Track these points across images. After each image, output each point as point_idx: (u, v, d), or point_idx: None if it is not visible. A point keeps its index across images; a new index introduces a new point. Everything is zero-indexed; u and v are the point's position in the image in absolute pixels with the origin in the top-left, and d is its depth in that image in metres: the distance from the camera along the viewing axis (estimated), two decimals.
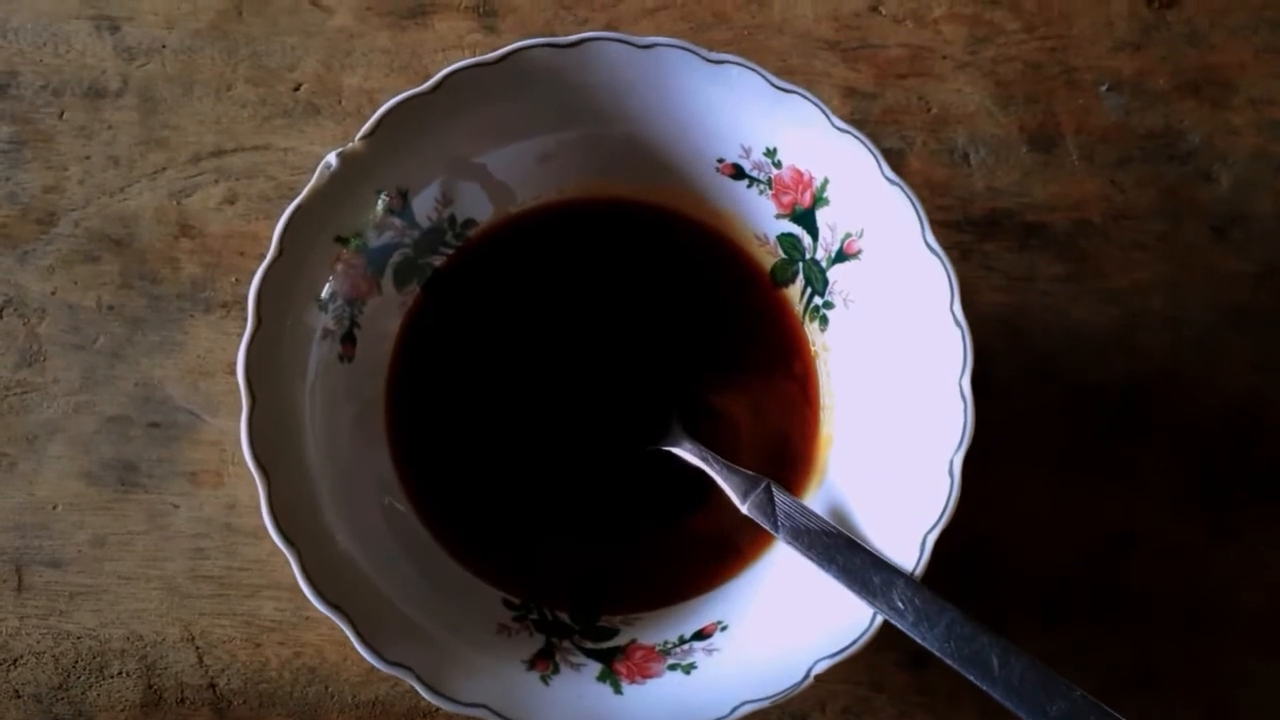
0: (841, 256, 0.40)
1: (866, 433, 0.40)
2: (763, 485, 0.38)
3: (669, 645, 0.39)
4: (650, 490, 0.42)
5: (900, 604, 0.34)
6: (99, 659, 0.44)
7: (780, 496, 0.37)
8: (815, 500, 0.41)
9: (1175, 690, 0.44)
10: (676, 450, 0.40)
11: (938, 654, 0.33)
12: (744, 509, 0.38)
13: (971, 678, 0.32)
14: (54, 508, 0.45)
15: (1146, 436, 0.46)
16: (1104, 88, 0.49)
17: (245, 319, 0.36)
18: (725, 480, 0.39)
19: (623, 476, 0.42)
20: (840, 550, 0.36)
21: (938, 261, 0.37)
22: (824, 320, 0.42)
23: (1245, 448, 0.46)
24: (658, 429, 0.41)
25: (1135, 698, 0.44)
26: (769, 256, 0.43)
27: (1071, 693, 0.32)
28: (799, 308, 0.43)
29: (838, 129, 0.37)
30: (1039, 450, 0.46)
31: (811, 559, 0.36)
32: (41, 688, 0.44)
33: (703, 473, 0.39)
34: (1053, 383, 0.46)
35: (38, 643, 0.44)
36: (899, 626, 0.34)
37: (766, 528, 0.37)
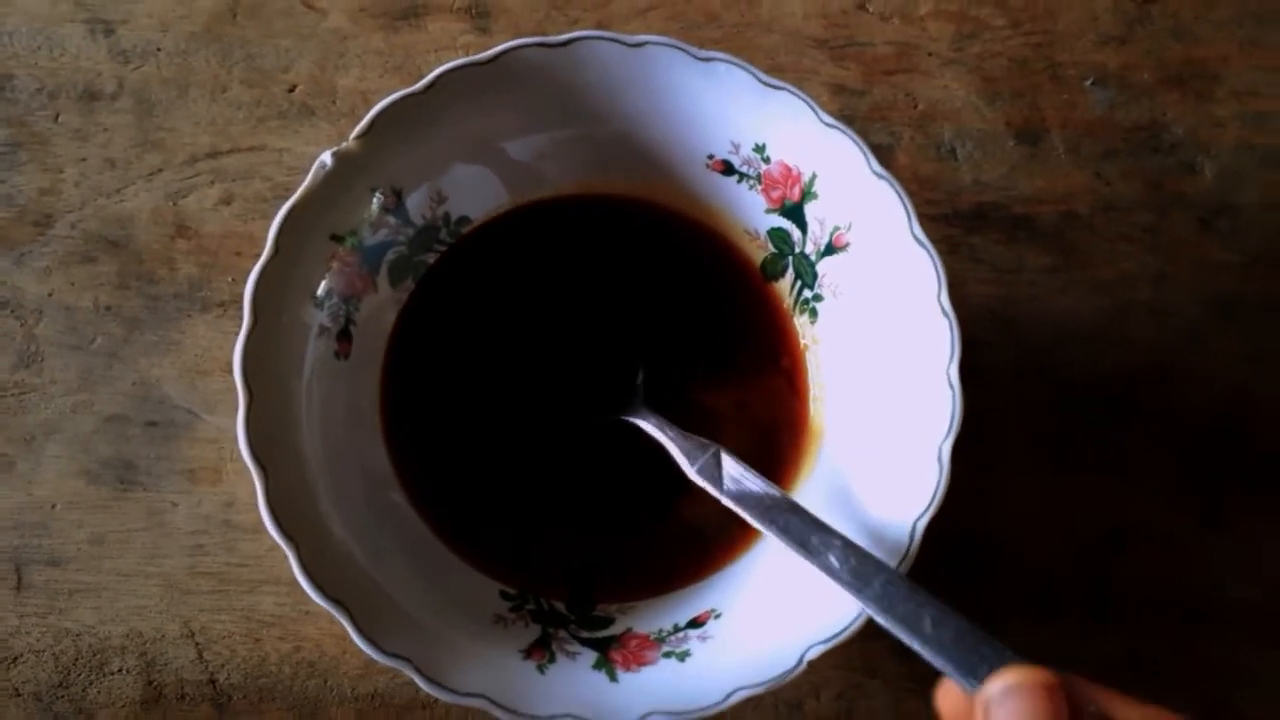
0: (830, 250, 0.41)
1: (857, 423, 0.41)
2: (711, 451, 0.39)
3: (664, 633, 0.39)
4: (645, 480, 0.43)
5: (836, 564, 0.34)
6: (99, 656, 0.44)
7: (728, 462, 0.38)
8: (807, 489, 0.41)
9: (1169, 683, 0.45)
10: (636, 420, 0.41)
11: (871, 613, 0.33)
12: (691, 474, 0.38)
13: (903, 637, 0.32)
14: (53, 507, 0.45)
15: (1136, 428, 0.46)
16: (1089, 82, 0.49)
17: (242, 318, 0.36)
18: (676, 446, 0.39)
19: (618, 467, 0.43)
20: (780, 512, 0.36)
21: (925, 253, 0.37)
22: (814, 313, 0.42)
23: (1236, 438, 0.46)
24: (622, 401, 0.42)
25: (1129, 690, 0.44)
26: (759, 251, 0.43)
27: (1003, 655, 0.31)
28: (789, 301, 0.43)
29: (826, 124, 0.38)
30: (1029, 442, 0.46)
31: (753, 519, 0.37)
32: (42, 686, 0.44)
33: None
34: (1041, 374, 0.46)
35: (38, 641, 0.44)
36: (836, 584, 0.34)
37: (712, 491, 0.38)
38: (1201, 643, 0.45)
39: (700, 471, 0.38)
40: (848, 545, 0.35)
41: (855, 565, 0.34)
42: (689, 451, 0.39)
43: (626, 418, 0.41)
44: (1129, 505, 0.46)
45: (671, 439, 0.40)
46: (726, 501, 0.38)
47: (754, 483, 0.37)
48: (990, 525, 0.45)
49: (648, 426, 0.41)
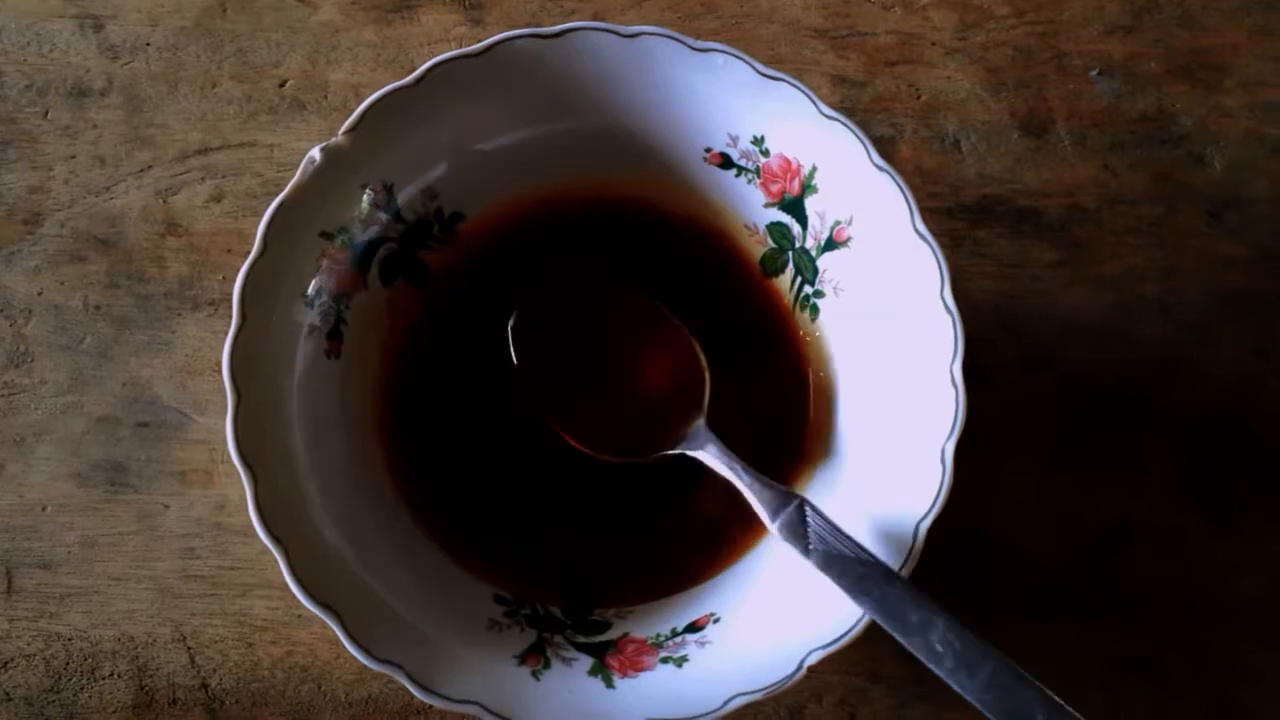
0: (831, 245, 0.40)
1: (858, 422, 0.40)
2: (795, 504, 0.35)
3: (661, 638, 0.39)
4: (645, 482, 0.42)
5: (939, 647, 0.32)
6: (90, 661, 0.44)
7: (814, 517, 0.35)
8: (808, 490, 0.41)
9: (1174, 681, 0.44)
10: (700, 455, 0.38)
11: (975, 704, 0.31)
12: (773, 529, 0.35)
13: None
14: (43, 509, 0.45)
15: (1142, 424, 0.46)
16: (1095, 72, 0.48)
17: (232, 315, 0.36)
18: (755, 495, 0.36)
19: (618, 469, 0.42)
20: (875, 582, 0.33)
21: (927, 248, 0.36)
22: (814, 309, 0.42)
23: (1243, 434, 0.46)
24: (672, 431, 0.39)
25: (1133, 689, 0.44)
26: (758, 246, 0.42)
27: None
28: (789, 297, 0.42)
29: (825, 116, 0.37)
30: (1033, 439, 0.45)
31: (843, 589, 0.34)
32: (33, 690, 0.44)
33: (693, 464, 0.39)
34: (1046, 371, 0.46)
35: (28, 645, 0.44)
36: (935, 671, 0.32)
37: (796, 550, 0.35)
38: (1206, 641, 0.44)
39: (783, 527, 0.35)
40: (951, 624, 0.32)
41: (960, 650, 0.31)
42: (769, 501, 0.35)
43: (689, 452, 0.38)
44: (1134, 503, 0.45)
45: (748, 485, 0.36)
46: (810, 564, 0.34)
47: (844, 543, 0.34)
48: (993, 522, 0.45)
49: (718, 465, 0.37)
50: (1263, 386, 0.46)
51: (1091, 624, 0.44)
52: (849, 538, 0.34)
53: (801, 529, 0.35)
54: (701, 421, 0.39)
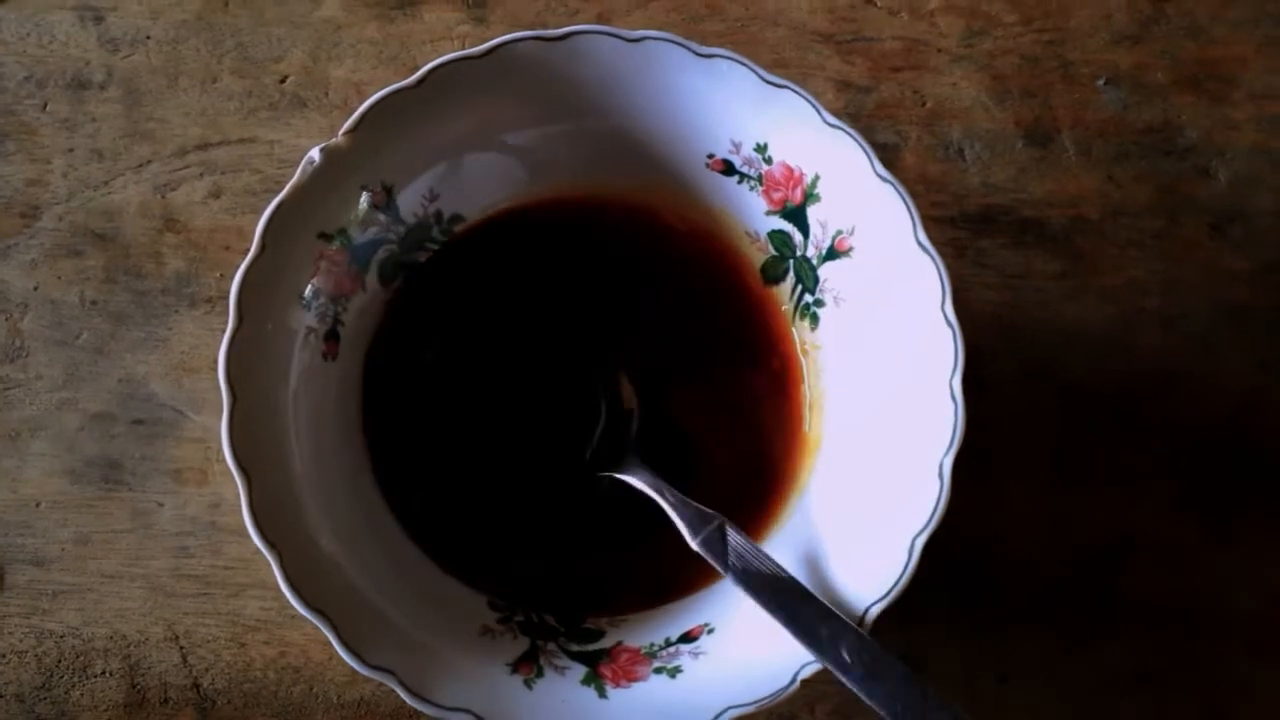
0: (833, 254, 0.40)
1: (856, 433, 0.40)
2: (715, 524, 0.37)
3: (655, 648, 0.39)
4: (638, 491, 0.42)
5: (849, 658, 0.34)
6: (82, 658, 0.44)
7: (734, 536, 0.37)
8: (803, 500, 0.41)
9: (1171, 694, 0.44)
10: (630, 479, 0.39)
11: (882, 713, 0.33)
12: (694, 545, 0.37)
13: None
14: (37, 505, 0.45)
15: (1143, 437, 0.46)
16: (1101, 82, 0.48)
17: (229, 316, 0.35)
18: (677, 514, 0.37)
19: (611, 477, 0.42)
20: (789, 597, 0.35)
21: (929, 260, 0.36)
22: (814, 319, 0.41)
23: (1244, 449, 0.46)
24: (615, 455, 0.41)
25: (1131, 701, 0.44)
26: (759, 254, 0.42)
27: None
28: (789, 306, 0.42)
29: (829, 125, 0.37)
30: (1034, 451, 0.45)
31: (760, 603, 0.35)
32: (24, 687, 0.43)
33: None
34: (1047, 382, 0.46)
35: (20, 641, 0.44)
36: (844, 681, 0.34)
37: (716, 566, 0.36)
38: (1205, 653, 0.44)
39: (703, 544, 0.37)
40: (861, 639, 0.34)
41: (869, 661, 0.33)
42: (690, 520, 0.37)
43: (620, 475, 0.40)
44: (1134, 516, 0.45)
45: (671, 505, 0.38)
46: (730, 578, 0.36)
47: (762, 562, 0.36)
48: (992, 533, 0.45)
49: (644, 488, 0.39)
50: (1264, 401, 0.46)
51: (1090, 636, 0.44)
52: (768, 557, 0.36)
53: (721, 546, 0.36)
54: (632, 452, 0.41)
